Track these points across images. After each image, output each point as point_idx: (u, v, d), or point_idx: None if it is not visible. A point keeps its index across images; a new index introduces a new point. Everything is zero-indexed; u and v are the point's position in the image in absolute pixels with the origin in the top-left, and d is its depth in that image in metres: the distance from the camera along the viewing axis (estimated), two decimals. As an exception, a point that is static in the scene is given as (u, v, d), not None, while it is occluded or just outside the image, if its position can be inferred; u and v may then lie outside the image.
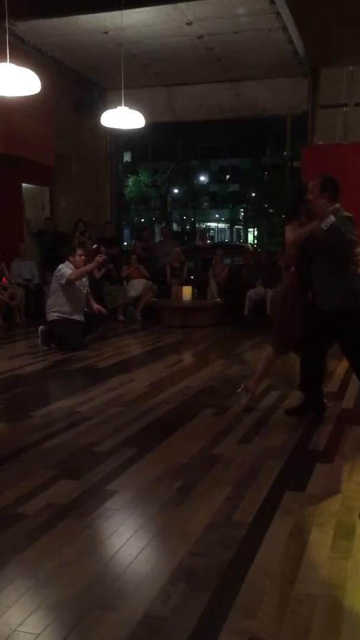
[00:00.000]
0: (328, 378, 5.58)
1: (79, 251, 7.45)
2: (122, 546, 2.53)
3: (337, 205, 4.08)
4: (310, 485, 3.17)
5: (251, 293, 9.54)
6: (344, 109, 9.50)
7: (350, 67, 9.37)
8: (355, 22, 8.46)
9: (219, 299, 9.90)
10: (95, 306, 7.58)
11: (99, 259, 7.54)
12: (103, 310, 7.80)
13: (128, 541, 2.56)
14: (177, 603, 2.10)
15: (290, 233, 4.27)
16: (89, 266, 7.49)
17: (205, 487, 3.13)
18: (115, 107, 7.96)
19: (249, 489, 3.11)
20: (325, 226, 3.88)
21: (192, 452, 3.67)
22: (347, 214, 4.08)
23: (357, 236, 4.03)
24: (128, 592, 2.18)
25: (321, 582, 2.25)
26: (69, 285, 7.13)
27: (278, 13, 7.92)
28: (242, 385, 4.69)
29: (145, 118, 8.16)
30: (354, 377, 5.24)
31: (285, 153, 15.07)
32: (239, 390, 4.71)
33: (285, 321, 4.44)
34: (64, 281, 7.09)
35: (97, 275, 9.37)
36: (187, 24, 8.25)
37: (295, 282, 4.39)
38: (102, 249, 9.31)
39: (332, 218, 3.89)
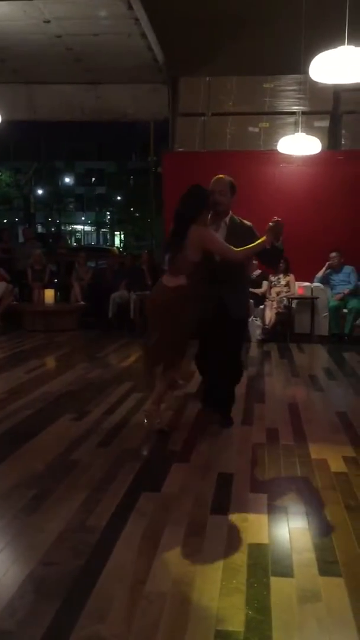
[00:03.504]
0: (189, 379, 5.73)
1: None
2: (-31, 562, 2.41)
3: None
4: (166, 485, 3.23)
5: (115, 296, 9.55)
6: (202, 118, 9.80)
7: (208, 78, 9.68)
8: (212, 35, 8.75)
9: (82, 302, 9.80)
10: None
11: None
12: None
13: (-24, 556, 2.46)
14: (25, 615, 2.03)
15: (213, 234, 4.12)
16: None
17: (60, 494, 3.08)
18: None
19: (105, 492, 3.10)
20: None
21: (49, 459, 3.60)
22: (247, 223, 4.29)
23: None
24: (-27, 609, 2.08)
25: (171, 580, 2.29)
26: None
27: (137, 19, 7.97)
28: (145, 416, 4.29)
29: (2, 115, 7.87)
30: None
31: (149, 158, 15.24)
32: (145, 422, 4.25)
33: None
34: None
35: None
36: (44, 22, 8.06)
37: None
38: None
39: None
